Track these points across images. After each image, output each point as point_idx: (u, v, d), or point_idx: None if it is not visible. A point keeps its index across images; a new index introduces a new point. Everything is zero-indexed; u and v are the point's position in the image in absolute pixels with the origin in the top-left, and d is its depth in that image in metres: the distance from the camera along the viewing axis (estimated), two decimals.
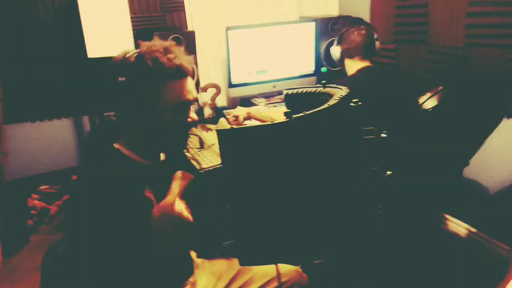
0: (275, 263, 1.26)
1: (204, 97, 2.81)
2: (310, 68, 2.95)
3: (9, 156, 2.68)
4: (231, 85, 2.75)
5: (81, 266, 1.12)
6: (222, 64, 2.95)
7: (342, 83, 2.02)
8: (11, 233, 2.66)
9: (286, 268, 1.52)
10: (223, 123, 2.27)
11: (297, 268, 1.57)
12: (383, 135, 1.12)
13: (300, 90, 1.37)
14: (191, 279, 1.34)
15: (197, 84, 2.71)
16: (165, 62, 1.16)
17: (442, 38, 2.41)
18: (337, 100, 1.04)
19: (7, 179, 2.67)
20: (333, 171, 1.06)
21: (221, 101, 2.96)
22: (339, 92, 1.15)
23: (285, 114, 0.95)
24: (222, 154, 0.96)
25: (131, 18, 2.63)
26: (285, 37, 2.80)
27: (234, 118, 2.32)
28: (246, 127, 0.95)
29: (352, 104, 1.10)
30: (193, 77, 1.29)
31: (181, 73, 1.20)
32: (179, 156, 1.30)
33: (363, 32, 2.18)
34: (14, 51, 2.77)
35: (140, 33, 2.73)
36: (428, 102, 1.55)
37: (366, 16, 2.97)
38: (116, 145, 1.26)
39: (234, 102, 2.94)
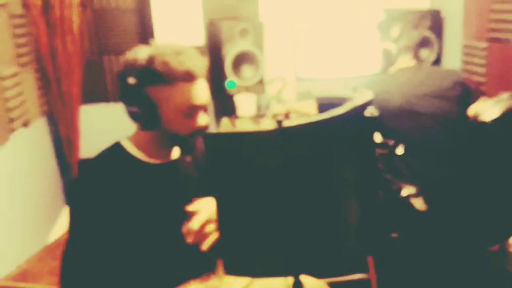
0: (262, 276, 1.17)
1: (270, 91, 2.75)
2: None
3: (80, 135, 2.84)
4: (298, 79, 2.65)
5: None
6: (290, 57, 2.85)
7: (385, 83, 1.91)
8: None
9: (309, 280, 1.42)
10: (225, 123, 2.19)
11: (321, 282, 1.46)
12: (399, 151, 0.96)
13: (330, 95, 1.25)
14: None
15: (263, 76, 2.65)
16: (175, 65, 1.15)
17: None
18: (341, 112, 0.91)
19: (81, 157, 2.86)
20: (331, 184, 0.93)
21: (289, 96, 2.86)
22: (356, 101, 1.01)
23: (277, 122, 0.85)
24: (208, 159, 0.89)
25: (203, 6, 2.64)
26: (360, 31, 2.62)
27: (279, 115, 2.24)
28: (233, 132, 0.87)
29: (367, 114, 0.96)
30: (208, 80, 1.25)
31: (190, 76, 1.17)
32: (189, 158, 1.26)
33: (418, 27, 2.11)
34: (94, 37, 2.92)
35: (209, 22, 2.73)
36: (488, 113, 1.33)
37: (459, 10, 2.67)
38: (122, 141, 1.27)
39: (302, 97, 2.83)
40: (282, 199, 0.89)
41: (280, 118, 2.17)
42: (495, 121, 1.33)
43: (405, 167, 1.82)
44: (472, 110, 1.40)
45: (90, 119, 2.87)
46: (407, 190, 1.70)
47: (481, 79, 2.49)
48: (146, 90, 1.17)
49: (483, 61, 2.46)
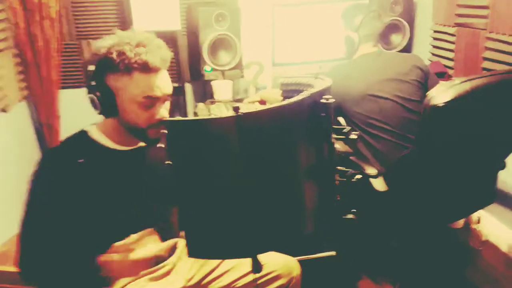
0: (224, 258, 1.24)
1: (248, 75, 2.80)
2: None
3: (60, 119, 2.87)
4: (275, 64, 2.71)
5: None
6: (267, 42, 2.89)
7: (347, 69, 1.99)
8: None
9: (277, 258, 1.50)
10: (201, 108, 2.26)
11: (291, 259, 1.54)
12: (354, 136, 1.04)
13: (293, 80, 1.32)
14: (172, 259, 1.36)
15: (240, 61, 2.69)
16: (131, 56, 1.18)
17: (504, 25, 2.15)
18: (297, 99, 0.98)
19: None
20: (287, 170, 1.00)
21: (266, 81, 2.92)
22: (315, 87, 1.08)
23: (234, 108, 0.91)
24: (167, 144, 0.95)
25: None
26: (334, 16, 2.67)
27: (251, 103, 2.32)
28: (192, 119, 0.93)
29: (323, 100, 1.03)
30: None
31: (147, 67, 1.19)
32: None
33: (380, 17, 2.14)
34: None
35: (188, 7, 2.76)
36: (440, 96, 1.40)
37: None
38: (89, 128, 1.31)
39: (278, 82, 2.88)
40: (239, 183, 0.95)
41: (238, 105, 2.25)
42: (445, 104, 1.40)
43: (368, 150, 1.91)
44: (427, 94, 1.48)
45: (69, 104, 2.89)
46: (368, 171, 1.79)
47: (450, 64, 2.57)
48: (105, 78, 1.21)
49: (451, 46, 2.54)
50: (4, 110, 2.44)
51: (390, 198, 1.78)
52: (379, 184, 1.82)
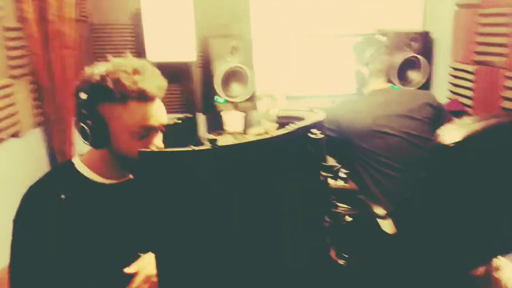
0: None
1: (260, 107, 2.78)
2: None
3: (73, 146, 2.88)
4: (288, 97, 2.67)
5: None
6: (280, 74, 2.87)
7: (355, 104, 1.93)
8: None
9: None
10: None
11: None
12: (342, 174, 0.97)
13: (288, 113, 1.27)
14: None
15: (253, 93, 2.67)
16: (127, 84, 1.12)
17: None
18: (282, 132, 0.92)
19: None
20: (271, 207, 0.94)
21: (290, 112, 2.88)
22: (304, 121, 1.02)
23: (209, 141, 0.86)
24: (139, 176, 0.90)
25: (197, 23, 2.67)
26: (348, 50, 2.63)
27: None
28: (166, 151, 0.88)
29: (311, 135, 0.97)
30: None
31: (143, 96, 1.14)
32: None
33: (388, 52, 2.17)
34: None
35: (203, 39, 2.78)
36: (449, 135, 1.33)
37: (447, 33, 2.67)
38: (74, 159, 1.25)
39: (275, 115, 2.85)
40: (217, 221, 0.88)
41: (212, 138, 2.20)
42: (454, 144, 1.32)
43: (377, 187, 1.82)
44: (437, 132, 1.40)
45: None
46: (376, 211, 1.70)
47: (468, 102, 2.48)
48: (97, 107, 1.15)
49: (470, 84, 2.46)
50: (17, 136, 2.46)
51: (399, 241, 1.68)
52: (387, 226, 1.73)
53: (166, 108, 2.88)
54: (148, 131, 1.18)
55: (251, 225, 0.91)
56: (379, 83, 2.03)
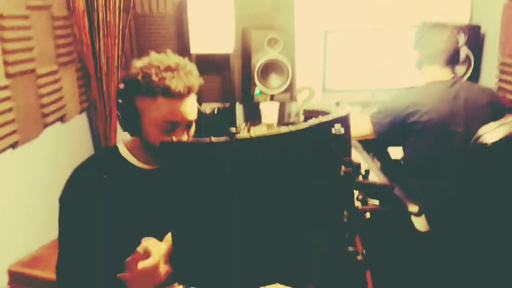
0: None
1: (299, 100, 2.77)
2: (418, 79, 2.65)
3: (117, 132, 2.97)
4: (325, 90, 2.64)
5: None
6: (319, 67, 2.84)
7: (407, 95, 1.84)
8: None
9: None
10: None
11: None
12: (363, 171, 0.96)
13: (316, 108, 1.26)
14: None
15: (292, 85, 2.66)
16: (155, 80, 1.18)
17: None
18: (302, 127, 0.92)
19: None
20: (287, 200, 0.94)
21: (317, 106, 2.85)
22: (329, 116, 1.01)
23: (227, 133, 0.87)
24: (161, 166, 0.92)
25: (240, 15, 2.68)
26: (390, 43, 2.57)
27: None
28: (186, 141, 0.91)
29: (334, 130, 0.96)
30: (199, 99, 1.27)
31: (170, 93, 1.19)
32: None
33: (446, 35, 1.93)
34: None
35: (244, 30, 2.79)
36: (490, 135, 1.27)
37: (496, 27, 2.55)
38: (119, 144, 1.34)
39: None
40: (234, 212, 0.90)
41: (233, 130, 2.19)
42: (494, 144, 1.27)
43: (419, 185, 1.77)
44: (478, 131, 1.35)
45: None
46: (410, 209, 1.66)
47: None
48: (132, 98, 1.23)
49: None
50: (63, 120, 2.57)
51: (431, 239, 1.64)
52: (420, 223, 1.68)
53: (207, 98, 2.93)
54: (173, 126, 1.23)
55: (265, 217, 0.92)
56: (435, 71, 1.93)
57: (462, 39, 1.96)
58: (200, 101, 3.01)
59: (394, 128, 1.84)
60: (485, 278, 2.01)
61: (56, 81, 2.43)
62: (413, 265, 1.74)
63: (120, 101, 1.25)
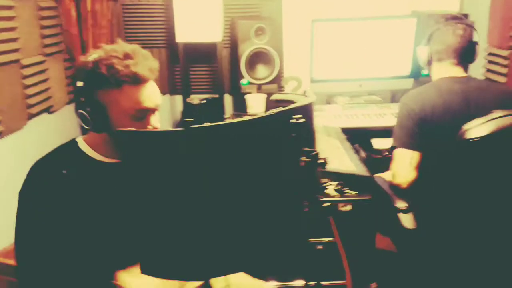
0: (173, 279, 1.16)
1: (286, 90, 2.76)
2: (406, 69, 2.65)
3: None
4: (313, 80, 2.64)
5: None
6: (307, 57, 2.83)
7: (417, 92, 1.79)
8: None
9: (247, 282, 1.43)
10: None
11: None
12: (321, 160, 0.96)
13: (284, 97, 1.26)
14: None
15: (280, 75, 2.65)
16: (120, 69, 1.15)
17: None
18: (261, 116, 0.92)
19: None
20: (247, 191, 0.94)
21: (286, 96, 2.84)
22: (290, 105, 1.01)
23: (184, 122, 0.87)
24: (122, 153, 0.93)
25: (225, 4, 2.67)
26: (378, 33, 2.56)
27: None
28: (142, 131, 0.91)
29: (293, 120, 0.96)
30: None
31: (137, 79, 1.17)
32: None
33: (460, 31, 1.85)
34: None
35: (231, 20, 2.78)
36: (475, 130, 1.25)
37: (485, 16, 2.54)
38: (79, 139, 1.29)
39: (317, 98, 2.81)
40: (192, 201, 0.90)
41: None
42: (480, 139, 1.25)
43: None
44: (463, 126, 1.33)
45: None
46: (397, 205, 1.64)
47: None
48: (95, 93, 1.18)
49: (504, 70, 2.33)
50: (50, 111, 2.57)
51: (418, 236, 1.61)
52: (407, 220, 1.65)
53: (194, 88, 2.91)
54: (144, 113, 1.21)
55: (224, 204, 0.93)
56: (446, 66, 1.85)
57: (476, 36, 1.88)
58: (188, 92, 3.02)
59: (420, 130, 1.72)
60: (473, 277, 2.01)
61: (43, 71, 2.43)
62: (400, 262, 1.73)
63: (82, 99, 1.19)
